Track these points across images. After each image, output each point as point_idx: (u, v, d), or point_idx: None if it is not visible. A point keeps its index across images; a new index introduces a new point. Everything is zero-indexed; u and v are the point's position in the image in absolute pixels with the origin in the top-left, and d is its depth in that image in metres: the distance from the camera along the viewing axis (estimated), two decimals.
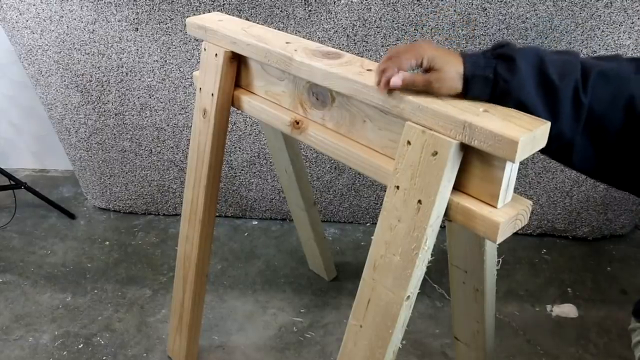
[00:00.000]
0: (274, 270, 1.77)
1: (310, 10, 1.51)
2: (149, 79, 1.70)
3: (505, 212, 0.73)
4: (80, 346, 1.50)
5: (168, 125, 1.80)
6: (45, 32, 1.64)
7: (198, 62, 1.65)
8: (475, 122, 0.68)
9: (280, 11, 1.52)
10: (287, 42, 0.96)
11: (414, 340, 1.51)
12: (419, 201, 0.75)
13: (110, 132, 1.84)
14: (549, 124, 0.69)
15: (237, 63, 1.08)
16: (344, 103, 0.90)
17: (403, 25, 1.50)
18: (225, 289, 1.70)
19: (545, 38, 1.48)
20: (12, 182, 1.91)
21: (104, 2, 1.56)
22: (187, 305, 1.32)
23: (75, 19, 1.60)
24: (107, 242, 1.91)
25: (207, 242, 1.25)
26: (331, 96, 0.91)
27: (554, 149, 0.76)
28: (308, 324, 1.57)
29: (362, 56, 1.51)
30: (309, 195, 1.49)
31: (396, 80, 0.73)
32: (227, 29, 1.04)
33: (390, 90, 0.76)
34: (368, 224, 1.97)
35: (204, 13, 1.44)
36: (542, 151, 0.76)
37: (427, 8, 1.46)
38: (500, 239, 0.72)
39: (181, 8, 1.55)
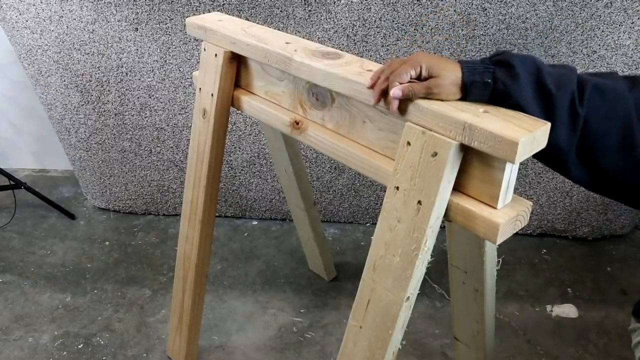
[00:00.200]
0: (274, 271, 1.77)
1: (310, 10, 1.51)
2: (149, 79, 1.70)
3: (505, 213, 0.73)
4: (80, 346, 1.50)
5: (168, 125, 1.80)
6: (45, 32, 1.64)
7: (198, 62, 1.65)
8: (475, 122, 0.68)
9: (280, 11, 1.52)
10: (286, 43, 0.96)
11: (414, 341, 1.51)
12: (419, 202, 0.75)
13: (110, 132, 1.84)
14: (549, 124, 0.69)
15: (237, 63, 1.08)
16: (343, 103, 0.90)
17: (403, 25, 1.50)
18: (225, 289, 1.70)
19: (545, 38, 1.48)
20: (12, 182, 1.91)
21: (104, 2, 1.56)
22: (187, 306, 1.32)
23: (75, 19, 1.60)
24: (107, 242, 1.91)
25: (206, 242, 1.25)
26: (331, 96, 0.91)
27: (550, 160, 0.76)
28: (308, 324, 1.57)
29: (362, 56, 1.52)
30: (308, 196, 1.49)
31: (396, 91, 0.73)
32: (226, 29, 1.04)
33: (400, 108, 0.75)
34: (368, 224, 1.97)
35: (203, 13, 1.44)
36: (539, 160, 0.76)
37: (427, 8, 1.46)
38: (500, 240, 0.72)
39: (181, 8, 1.55)
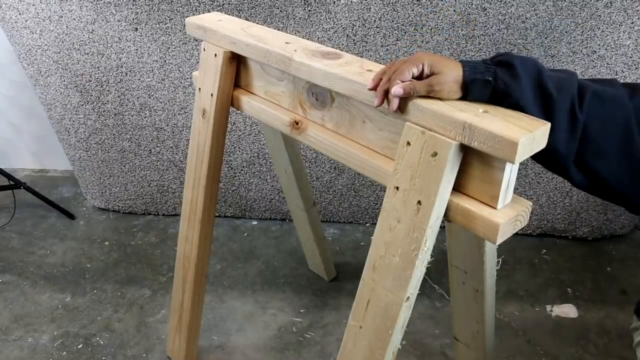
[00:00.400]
0: (274, 271, 1.77)
1: (309, 10, 1.51)
2: (149, 79, 1.70)
3: (505, 213, 0.73)
4: (79, 346, 1.50)
5: (167, 125, 1.80)
6: (44, 32, 1.64)
7: (197, 62, 1.64)
8: (475, 122, 0.67)
9: (280, 11, 1.52)
10: (286, 42, 0.96)
11: (414, 341, 1.51)
12: (419, 202, 0.75)
13: (109, 132, 1.84)
14: (548, 124, 0.69)
15: (237, 63, 1.08)
16: (343, 103, 0.90)
17: (403, 25, 1.50)
18: (225, 289, 1.70)
19: (545, 38, 1.48)
20: (12, 182, 1.91)
21: (104, 2, 1.56)
22: (187, 306, 1.32)
23: (74, 19, 1.60)
24: (107, 242, 1.91)
25: (206, 242, 1.25)
26: (331, 96, 0.91)
27: (549, 164, 0.76)
28: (308, 324, 1.57)
29: (361, 56, 1.52)
30: (308, 196, 1.49)
31: (397, 89, 0.73)
32: (226, 29, 1.04)
33: (398, 108, 0.75)
34: (368, 224, 1.97)
35: (203, 13, 1.44)
36: (539, 163, 0.76)
37: (427, 8, 1.46)
38: (500, 240, 0.72)
39: (180, 8, 1.54)
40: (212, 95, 1.09)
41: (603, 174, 0.75)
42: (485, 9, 1.45)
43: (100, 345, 1.50)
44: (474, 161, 0.73)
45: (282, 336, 1.53)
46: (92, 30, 1.62)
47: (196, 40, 1.60)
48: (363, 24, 1.52)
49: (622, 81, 0.79)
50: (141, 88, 1.72)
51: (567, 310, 1.61)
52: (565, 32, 1.46)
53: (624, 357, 1.45)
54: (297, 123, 0.97)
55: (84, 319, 1.59)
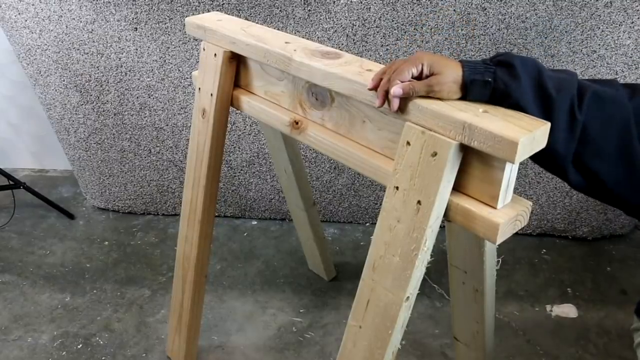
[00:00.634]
0: (274, 271, 1.77)
1: (309, 10, 1.51)
2: (148, 79, 1.70)
3: (505, 213, 0.73)
4: (79, 346, 1.50)
5: (167, 125, 1.80)
6: (44, 31, 1.64)
7: (197, 61, 1.64)
8: (475, 122, 0.67)
9: (280, 11, 1.52)
10: (286, 42, 0.96)
11: (414, 341, 1.51)
12: (419, 202, 0.75)
13: (109, 132, 1.84)
14: (548, 124, 0.69)
15: (237, 63, 1.08)
16: (343, 103, 0.90)
17: (402, 25, 1.50)
18: (225, 289, 1.70)
19: (545, 38, 1.48)
20: (11, 182, 1.91)
21: (103, 2, 1.56)
22: (187, 306, 1.32)
23: (74, 19, 1.60)
24: (106, 242, 1.91)
25: (206, 242, 1.25)
26: (330, 96, 0.91)
27: (548, 164, 0.76)
28: (307, 324, 1.57)
29: (361, 56, 1.51)
30: (308, 195, 1.49)
31: (396, 89, 0.73)
32: (226, 29, 1.04)
33: (398, 108, 0.75)
34: (367, 224, 1.97)
35: (203, 13, 1.44)
36: (538, 163, 0.76)
37: (427, 8, 1.46)
38: (500, 240, 0.72)
39: (180, 8, 1.54)
40: (211, 95, 1.09)
41: (602, 175, 0.75)
42: (485, 9, 1.45)
43: (99, 345, 1.50)
44: (473, 161, 0.73)
45: (282, 336, 1.53)
46: (92, 30, 1.62)
47: (196, 40, 1.60)
48: (363, 24, 1.52)
49: (622, 81, 0.79)
50: (141, 88, 1.72)
51: (567, 310, 1.60)
52: (565, 31, 1.46)
53: (624, 357, 1.45)
54: (296, 123, 0.97)
55: (84, 318, 1.59)
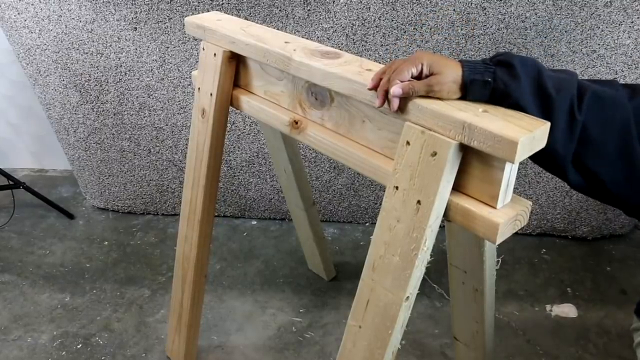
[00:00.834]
0: (273, 270, 1.77)
1: (309, 10, 1.51)
2: (148, 79, 1.70)
3: (505, 213, 0.72)
4: (79, 346, 1.50)
5: (167, 125, 1.80)
6: (43, 31, 1.63)
7: (197, 61, 1.64)
8: (474, 122, 0.67)
9: (279, 10, 1.52)
10: (286, 42, 0.96)
11: (414, 341, 1.50)
12: (418, 202, 0.75)
13: (109, 132, 1.84)
14: (548, 124, 0.69)
15: (236, 63, 1.08)
16: (343, 103, 0.89)
17: (402, 24, 1.50)
18: (224, 289, 1.70)
19: (545, 37, 1.48)
20: (11, 182, 1.91)
21: (103, 2, 1.56)
22: (186, 305, 1.32)
23: (73, 19, 1.60)
24: (106, 242, 1.91)
25: (205, 242, 1.25)
26: (330, 96, 0.91)
27: (547, 164, 0.76)
28: (307, 324, 1.57)
29: (361, 56, 1.51)
30: (308, 195, 1.49)
31: (396, 89, 0.72)
32: (225, 29, 1.04)
33: (398, 108, 0.75)
34: (367, 224, 1.97)
35: (202, 12, 1.44)
36: (537, 163, 0.76)
37: (427, 7, 1.46)
38: (499, 240, 0.72)
39: (180, 7, 1.54)
40: (211, 94, 1.09)
41: (602, 175, 0.75)
42: (485, 9, 1.45)
43: (99, 345, 1.50)
44: (473, 161, 0.73)
45: (282, 336, 1.53)
46: (92, 29, 1.62)
47: (195, 39, 1.60)
48: (362, 24, 1.51)
49: (622, 81, 0.79)
50: (140, 87, 1.72)
51: (567, 310, 1.60)
52: (565, 31, 1.46)
53: (623, 357, 1.45)
54: (296, 123, 0.97)
55: (83, 318, 1.59)
